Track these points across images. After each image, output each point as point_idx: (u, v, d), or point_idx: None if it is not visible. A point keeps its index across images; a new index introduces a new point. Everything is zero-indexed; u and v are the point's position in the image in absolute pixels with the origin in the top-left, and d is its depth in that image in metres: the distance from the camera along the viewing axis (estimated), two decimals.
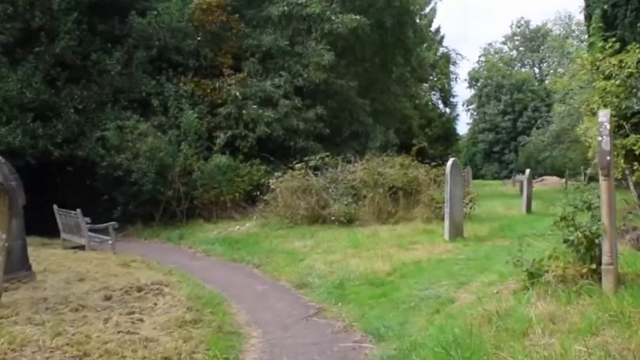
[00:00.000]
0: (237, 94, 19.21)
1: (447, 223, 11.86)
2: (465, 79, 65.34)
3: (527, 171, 18.68)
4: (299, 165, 15.71)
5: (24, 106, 17.46)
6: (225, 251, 13.20)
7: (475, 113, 64.97)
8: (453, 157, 12.98)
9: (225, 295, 8.82)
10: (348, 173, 15.89)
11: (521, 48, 69.59)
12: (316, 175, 15.81)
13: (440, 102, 55.13)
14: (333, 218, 14.30)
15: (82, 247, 13.49)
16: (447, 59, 53.06)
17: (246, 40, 20.75)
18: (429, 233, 12.64)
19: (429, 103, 52.07)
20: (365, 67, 24.92)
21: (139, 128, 17.62)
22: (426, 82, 48.80)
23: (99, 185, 18.17)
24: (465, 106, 65.20)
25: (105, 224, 13.72)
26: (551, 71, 67.32)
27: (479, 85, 64.46)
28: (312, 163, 16.04)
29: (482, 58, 68.16)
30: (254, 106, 19.18)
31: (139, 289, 7.94)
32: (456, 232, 11.87)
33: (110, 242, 13.55)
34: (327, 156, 16.42)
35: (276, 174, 16.11)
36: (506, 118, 58.25)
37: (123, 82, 19.18)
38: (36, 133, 17.37)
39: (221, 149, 18.75)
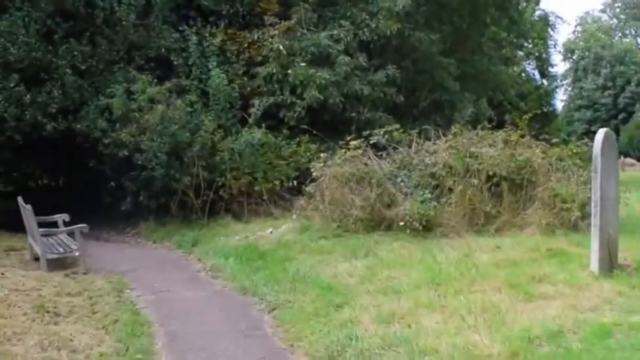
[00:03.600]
0: (282, 47, 14.54)
1: (595, 242, 6.80)
2: (560, 51, 58.62)
3: None
4: (355, 143, 10.87)
5: (8, 65, 13.60)
6: (238, 272, 8.71)
7: (570, 89, 58.78)
8: (606, 129, 7.61)
9: None
10: (427, 155, 10.77)
11: (622, 16, 62.07)
12: (380, 158, 10.95)
13: (536, 72, 48.69)
14: (402, 223, 9.41)
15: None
16: (545, 22, 46.33)
17: None
18: (560, 257, 7.44)
19: (523, 74, 45.95)
20: (451, 18, 19.57)
21: (147, 93, 13.29)
22: (521, 50, 42.72)
23: (105, 169, 14.24)
24: (559, 80, 58.67)
25: (70, 227, 9.57)
26: None
27: (575, 57, 58.03)
28: (374, 140, 11.19)
29: (579, 28, 60.89)
30: (303, 65, 14.49)
31: None
32: (610, 260, 6.87)
33: (77, 254, 9.39)
34: (397, 129, 11.49)
35: (322, 155, 11.30)
36: (605, 93, 52.51)
37: (139, 35, 15.04)
38: (23, 100, 13.49)
39: (258, 121, 14.26)
